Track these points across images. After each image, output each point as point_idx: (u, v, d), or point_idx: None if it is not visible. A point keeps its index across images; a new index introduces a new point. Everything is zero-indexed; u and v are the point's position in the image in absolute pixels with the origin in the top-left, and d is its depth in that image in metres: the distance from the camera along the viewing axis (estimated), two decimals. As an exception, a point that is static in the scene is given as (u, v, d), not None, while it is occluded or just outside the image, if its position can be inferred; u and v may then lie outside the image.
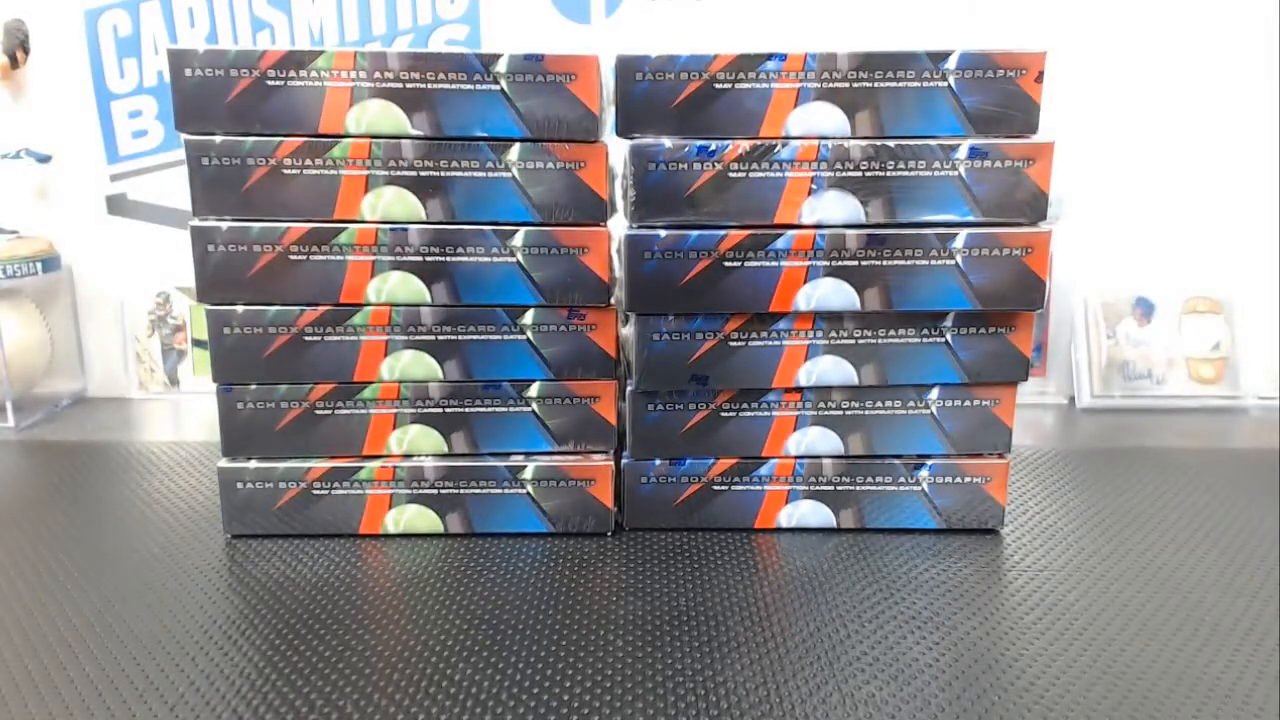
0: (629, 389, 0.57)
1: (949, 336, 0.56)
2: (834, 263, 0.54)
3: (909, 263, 0.54)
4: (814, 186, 0.53)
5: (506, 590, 0.51)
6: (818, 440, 0.58)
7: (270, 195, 0.54)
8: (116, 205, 0.90)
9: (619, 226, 0.55)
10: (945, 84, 0.53)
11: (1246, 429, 0.82)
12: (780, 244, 0.53)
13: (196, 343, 0.91)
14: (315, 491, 0.57)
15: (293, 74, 0.52)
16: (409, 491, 0.57)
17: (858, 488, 0.58)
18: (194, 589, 0.52)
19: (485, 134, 0.53)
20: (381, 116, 0.53)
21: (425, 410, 0.57)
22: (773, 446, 0.58)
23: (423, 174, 0.54)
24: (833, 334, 0.55)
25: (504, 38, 0.87)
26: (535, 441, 0.58)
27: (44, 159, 0.88)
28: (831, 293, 0.54)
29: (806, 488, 0.58)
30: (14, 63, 0.85)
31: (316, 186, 0.54)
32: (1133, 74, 0.87)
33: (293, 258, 0.54)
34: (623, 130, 0.54)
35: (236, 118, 0.53)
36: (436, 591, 0.51)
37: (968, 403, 0.57)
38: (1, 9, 0.86)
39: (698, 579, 0.52)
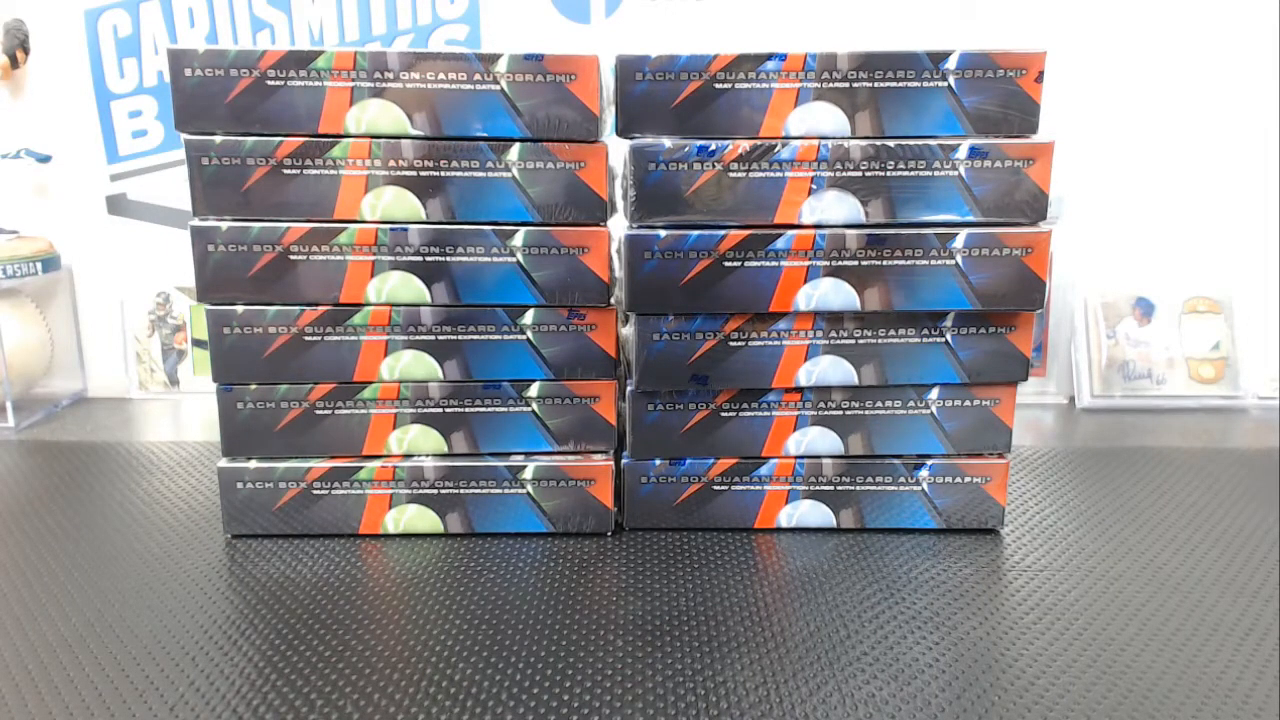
0: (629, 389, 0.57)
1: (949, 336, 0.56)
2: (834, 263, 0.54)
3: (909, 263, 0.54)
4: (814, 186, 0.53)
5: (506, 590, 0.51)
6: (818, 440, 0.58)
7: (270, 195, 0.54)
8: (116, 205, 0.90)
9: (619, 226, 0.55)
10: (945, 84, 0.53)
11: (1246, 429, 0.82)
12: (780, 244, 0.53)
13: (196, 343, 0.91)
14: (315, 491, 0.57)
15: (293, 74, 0.52)
16: (409, 491, 0.57)
17: (858, 488, 0.58)
18: (194, 589, 0.52)
19: (485, 134, 0.53)
20: (381, 116, 0.53)
21: (425, 410, 0.57)
22: (773, 446, 0.58)
23: (423, 174, 0.54)
24: (833, 334, 0.55)
25: (504, 38, 0.87)
26: (535, 441, 0.58)
27: (44, 159, 0.88)
28: (831, 293, 0.54)
29: (806, 488, 0.58)
30: (14, 63, 0.85)
31: (316, 186, 0.54)
32: (1133, 74, 0.87)
33: (293, 258, 0.54)
34: (623, 130, 0.54)
35: (236, 118, 0.53)
36: (436, 591, 0.51)
37: (968, 403, 0.57)
38: (1, 9, 0.86)
39: (698, 579, 0.52)
